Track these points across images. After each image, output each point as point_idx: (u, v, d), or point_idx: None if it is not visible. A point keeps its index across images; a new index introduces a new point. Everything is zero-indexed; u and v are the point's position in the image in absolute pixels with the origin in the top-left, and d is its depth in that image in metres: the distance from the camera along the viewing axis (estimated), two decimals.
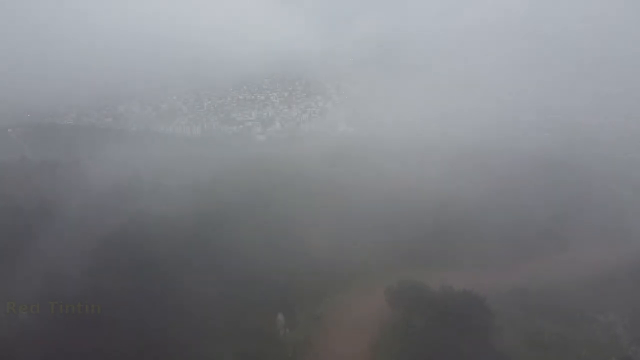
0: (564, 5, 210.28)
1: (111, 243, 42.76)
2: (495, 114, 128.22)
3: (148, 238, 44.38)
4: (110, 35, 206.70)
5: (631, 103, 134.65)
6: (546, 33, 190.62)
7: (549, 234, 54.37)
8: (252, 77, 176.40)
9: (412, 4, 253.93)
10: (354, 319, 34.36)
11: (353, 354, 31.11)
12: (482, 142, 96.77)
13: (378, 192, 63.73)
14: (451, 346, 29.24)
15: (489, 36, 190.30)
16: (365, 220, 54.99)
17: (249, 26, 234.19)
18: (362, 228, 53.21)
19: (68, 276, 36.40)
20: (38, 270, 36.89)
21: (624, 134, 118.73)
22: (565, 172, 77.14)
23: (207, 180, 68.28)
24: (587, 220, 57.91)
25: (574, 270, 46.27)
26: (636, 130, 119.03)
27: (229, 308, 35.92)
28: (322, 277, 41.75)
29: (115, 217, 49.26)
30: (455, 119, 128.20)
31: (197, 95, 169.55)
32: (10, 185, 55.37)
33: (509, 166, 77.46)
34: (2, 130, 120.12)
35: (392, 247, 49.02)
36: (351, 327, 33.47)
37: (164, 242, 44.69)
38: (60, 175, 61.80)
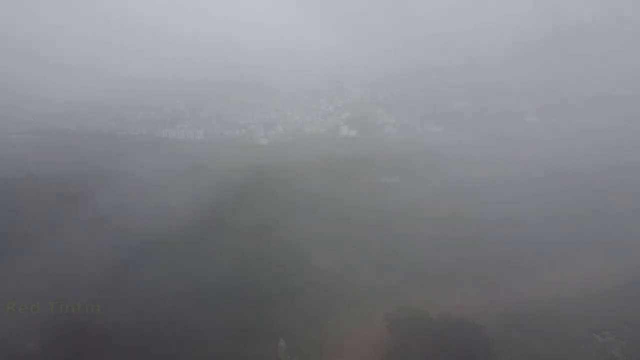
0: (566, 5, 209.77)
1: None
2: None
3: None
4: (113, 37, 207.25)
5: None
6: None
7: (550, 249, 54.74)
8: (254, 79, 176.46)
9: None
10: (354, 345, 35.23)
11: None
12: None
13: None
14: None
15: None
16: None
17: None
18: None
19: None
20: None
21: None
22: (568, 182, 76.94)
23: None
24: (588, 233, 58.10)
25: (574, 287, 46.75)
26: None
27: (230, 334, 36.93)
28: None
29: None
30: None
31: (199, 99, 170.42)
32: None
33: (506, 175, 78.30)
34: (6, 136, 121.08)
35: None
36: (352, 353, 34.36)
37: None
38: None
